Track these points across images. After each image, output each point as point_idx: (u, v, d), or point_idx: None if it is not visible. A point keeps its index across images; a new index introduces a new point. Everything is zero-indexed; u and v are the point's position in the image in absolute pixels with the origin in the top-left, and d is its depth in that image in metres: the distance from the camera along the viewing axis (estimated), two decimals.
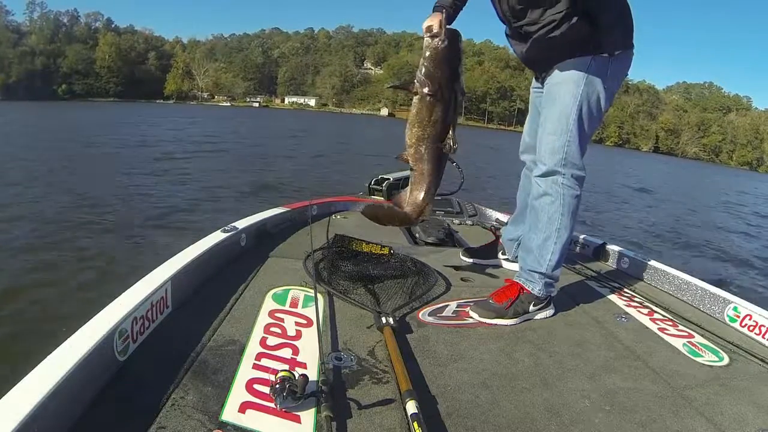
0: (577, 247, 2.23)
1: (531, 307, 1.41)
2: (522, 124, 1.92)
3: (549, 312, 1.46)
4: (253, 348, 1.05)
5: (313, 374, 0.97)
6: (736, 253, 6.95)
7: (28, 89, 55.08)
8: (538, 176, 1.46)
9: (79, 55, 67.68)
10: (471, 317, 1.37)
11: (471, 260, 1.89)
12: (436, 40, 1.25)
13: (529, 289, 1.42)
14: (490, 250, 1.90)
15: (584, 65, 1.36)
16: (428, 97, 1.27)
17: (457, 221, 2.62)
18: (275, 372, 0.87)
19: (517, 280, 1.46)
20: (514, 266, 1.63)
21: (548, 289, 1.44)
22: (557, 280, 1.48)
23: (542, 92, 1.51)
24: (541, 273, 1.42)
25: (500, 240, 1.88)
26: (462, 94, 1.34)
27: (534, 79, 1.63)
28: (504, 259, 1.86)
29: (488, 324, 1.35)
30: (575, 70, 1.37)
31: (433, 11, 1.37)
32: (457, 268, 1.79)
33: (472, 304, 1.41)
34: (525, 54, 1.47)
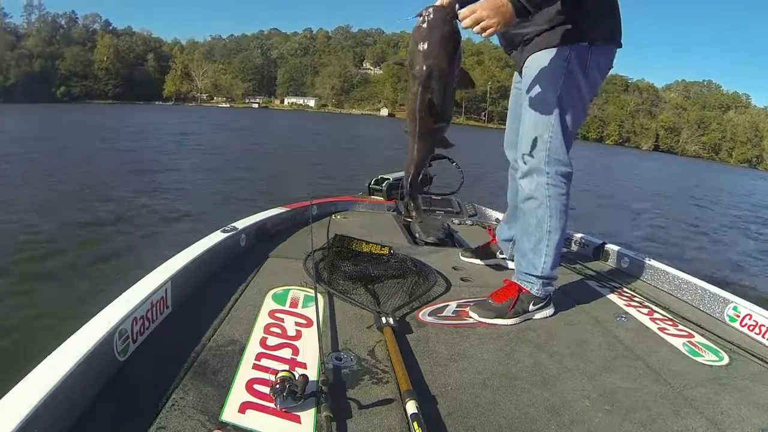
0: (577, 247, 2.23)
1: (531, 307, 1.41)
2: None
3: (549, 311, 1.46)
4: (253, 348, 1.05)
5: (313, 374, 0.97)
6: (736, 253, 6.96)
7: (27, 92, 54.46)
8: (522, 177, 1.43)
9: (77, 57, 67.17)
10: (471, 317, 1.37)
11: (471, 260, 1.89)
12: (420, 18, 1.21)
13: (528, 289, 1.42)
14: (489, 250, 1.91)
15: (563, 54, 1.31)
16: (410, 73, 1.23)
17: (457, 221, 2.62)
18: (275, 372, 0.87)
19: (516, 281, 1.46)
20: (513, 265, 1.63)
21: (547, 289, 1.44)
22: (555, 279, 1.47)
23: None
24: (537, 275, 1.42)
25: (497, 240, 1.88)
26: (452, 75, 1.22)
27: (516, 73, 1.57)
28: (502, 259, 1.86)
29: (488, 324, 1.35)
30: (554, 61, 1.32)
31: None
32: (456, 268, 1.79)
33: (471, 304, 1.41)
34: (505, 38, 1.44)
